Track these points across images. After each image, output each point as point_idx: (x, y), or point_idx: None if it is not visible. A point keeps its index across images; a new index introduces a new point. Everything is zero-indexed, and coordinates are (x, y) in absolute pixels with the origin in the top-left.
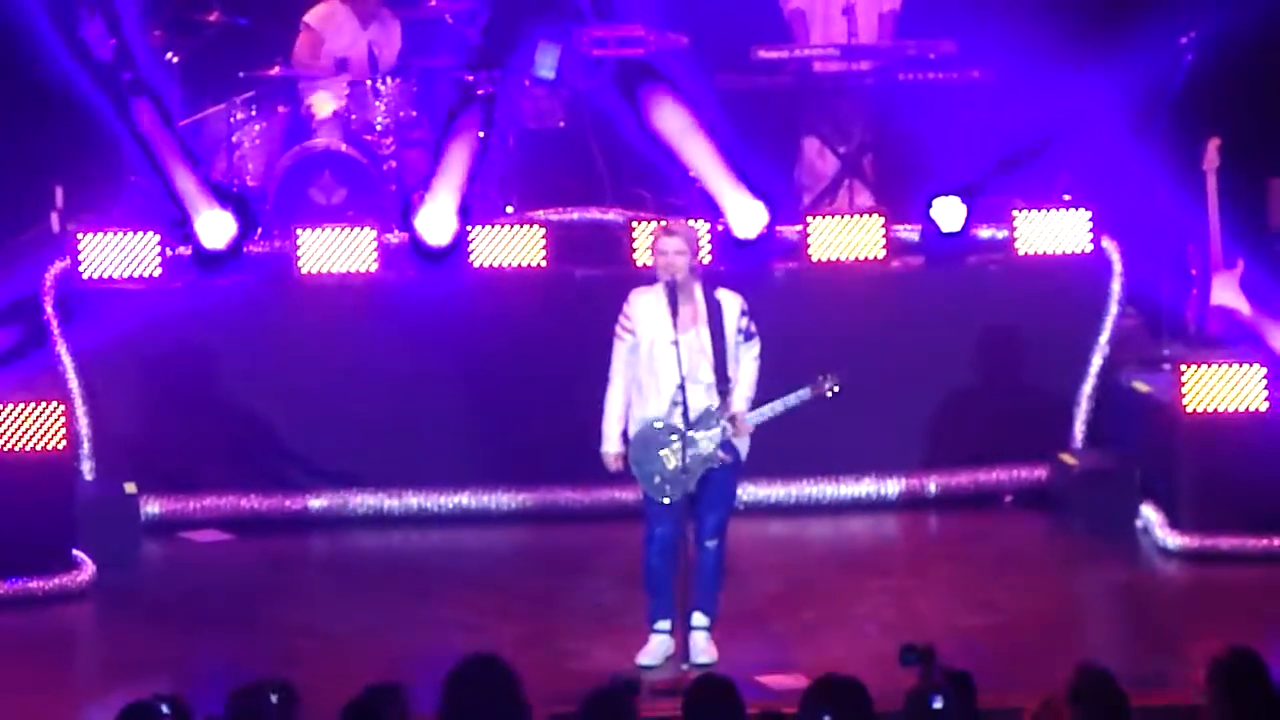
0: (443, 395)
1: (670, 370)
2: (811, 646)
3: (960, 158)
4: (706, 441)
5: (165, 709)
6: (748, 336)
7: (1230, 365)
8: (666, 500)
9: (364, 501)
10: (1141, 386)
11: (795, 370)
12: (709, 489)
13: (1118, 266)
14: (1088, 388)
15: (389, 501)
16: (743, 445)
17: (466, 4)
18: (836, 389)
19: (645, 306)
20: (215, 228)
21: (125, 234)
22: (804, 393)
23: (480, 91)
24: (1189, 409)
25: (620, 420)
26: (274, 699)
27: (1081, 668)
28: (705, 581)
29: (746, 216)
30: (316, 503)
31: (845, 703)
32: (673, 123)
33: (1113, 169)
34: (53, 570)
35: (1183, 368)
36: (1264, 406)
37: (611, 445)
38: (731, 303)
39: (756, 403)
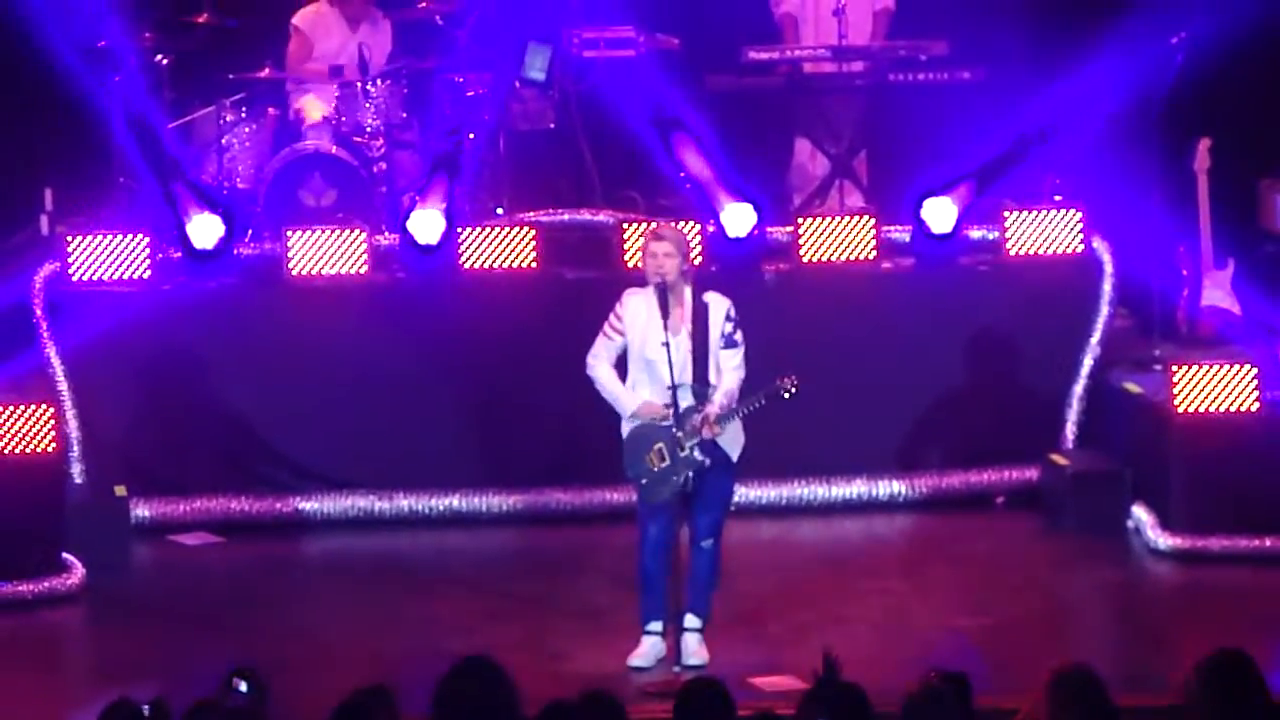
0: (433, 397)
1: (662, 372)
2: (804, 648)
3: (951, 159)
4: (687, 442)
5: (146, 710)
6: (729, 343)
7: (1221, 366)
8: (653, 500)
9: (354, 504)
10: (1132, 387)
11: (784, 371)
12: (704, 489)
13: (1109, 267)
14: (1079, 388)
15: (379, 504)
16: (734, 448)
17: (457, 5)
18: (793, 390)
19: (638, 308)
20: (204, 230)
21: (115, 236)
22: (761, 395)
23: (470, 93)
24: (1180, 409)
25: (620, 383)
26: (242, 687)
27: (1058, 669)
28: (699, 583)
29: (736, 217)
30: (307, 505)
31: (843, 706)
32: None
33: (1103, 170)
34: (42, 573)
35: (1173, 368)
36: (1254, 407)
37: (632, 401)
38: (718, 306)
39: None
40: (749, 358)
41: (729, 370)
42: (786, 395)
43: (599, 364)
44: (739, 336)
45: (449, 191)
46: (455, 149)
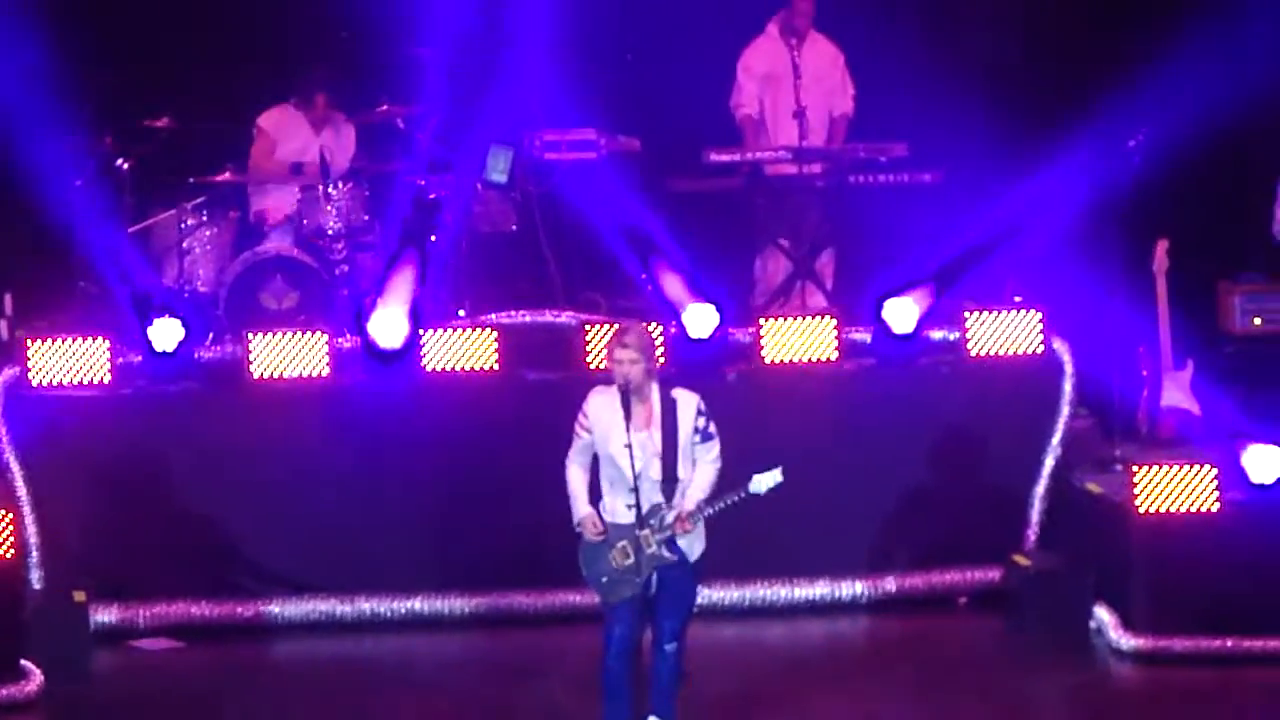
0: (395, 499)
1: (625, 470)
2: None
3: (912, 260)
4: (653, 540)
5: None
6: (705, 437)
7: (1181, 466)
8: (614, 600)
9: (316, 607)
10: (1094, 487)
11: (747, 470)
12: (666, 592)
13: (1069, 367)
14: (1040, 488)
15: (341, 607)
16: (694, 548)
17: (419, 109)
18: (776, 484)
19: (602, 407)
20: (165, 333)
21: (75, 340)
22: (743, 490)
23: (432, 196)
24: (1141, 510)
25: (584, 492)
26: None
27: None
28: (662, 685)
29: (699, 318)
30: (268, 609)
31: None
32: None
33: (1063, 270)
34: (1, 681)
35: (1134, 468)
36: (1215, 507)
37: (583, 509)
38: (688, 403)
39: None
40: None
41: (706, 463)
42: (768, 490)
43: (570, 466)
44: (713, 429)
45: (411, 293)
46: (415, 250)
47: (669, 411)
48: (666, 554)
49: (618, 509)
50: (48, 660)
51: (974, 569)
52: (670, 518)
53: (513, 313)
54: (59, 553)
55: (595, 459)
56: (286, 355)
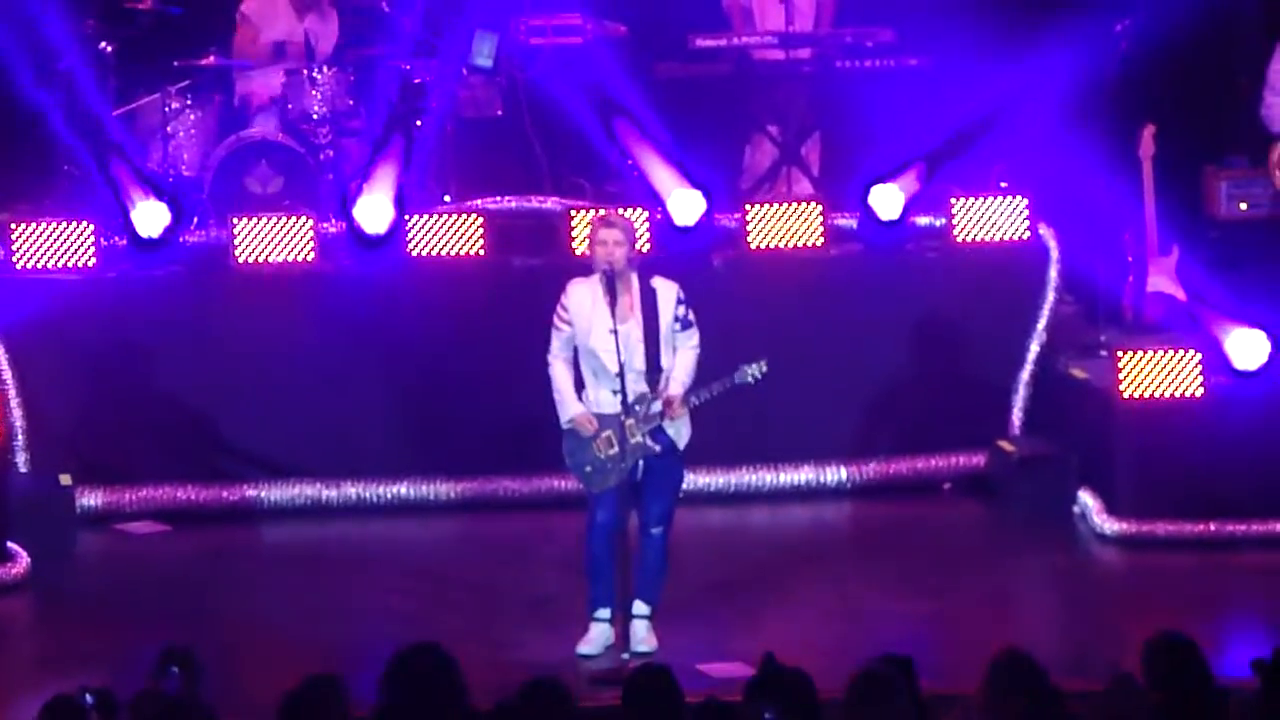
0: (381, 385)
1: (610, 359)
2: (752, 635)
3: (898, 146)
4: (638, 430)
5: (90, 699)
6: (685, 325)
7: (1166, 351)
8: (598, 489)
9: (302, 492)
10: (1078, 373)
11: (733, 357)
12: (654, 476)
13: (1054, 253)
14: (1025, 374)
15: (327, 492)
16: (681, 436)
17: None
18: (761, 375)
19: (583, 297)
20: (149, 217)
21: (59, 224)
22: (729, 380)
23: (417, 80)
24: (1125, 395)
25: (571, 389)
26: (175, 669)
27: (997, 656)
28: (648, 570)
29: (685, 205)
30: (254, 493)
31: (790, 693)
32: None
33: (1049, 156)
34: None
35: (1119, 354)
36: (1199, 392)
37: (573, 409)
38: (667, 291)
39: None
40: (697, 347)
41: (687, 349)
42: (753, 380)
43: (554, 362)
44: (693, 317)
45: (396, 178)
46: (400, 135)
47: (649, 300)
48: (651, 444)
49: (602, 399)
50: (33, 543)
51: (958, 454)
52: (656, 406)
53: (498, 198)
54: (45, 436)
55: (576, 353)
56: (271, 240)
